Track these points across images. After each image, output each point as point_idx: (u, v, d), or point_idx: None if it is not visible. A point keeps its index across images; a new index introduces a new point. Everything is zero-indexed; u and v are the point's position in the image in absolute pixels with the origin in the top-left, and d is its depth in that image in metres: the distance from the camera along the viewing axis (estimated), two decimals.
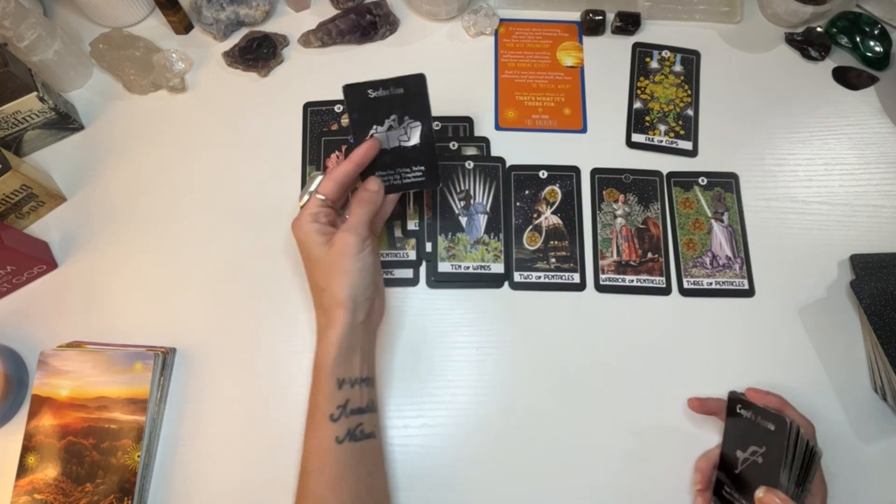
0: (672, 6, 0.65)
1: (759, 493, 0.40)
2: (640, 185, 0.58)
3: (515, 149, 0.58)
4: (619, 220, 0.57)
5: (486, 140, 0.59)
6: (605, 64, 0.63)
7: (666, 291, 0.54)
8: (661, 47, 0.64)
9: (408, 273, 0.54)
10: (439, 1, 0.61)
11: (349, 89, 0.45)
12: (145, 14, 0.64)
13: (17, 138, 0.56)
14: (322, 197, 0.43)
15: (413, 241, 0.55)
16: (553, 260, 0.55)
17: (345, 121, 0.60)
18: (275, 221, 0.55)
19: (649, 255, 0.55)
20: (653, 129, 0.60)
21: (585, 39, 0.65)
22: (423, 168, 0.47)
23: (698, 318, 0.53)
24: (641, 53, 0.64)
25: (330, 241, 0.42)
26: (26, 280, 0.53)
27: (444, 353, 0.52)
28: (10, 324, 0.52)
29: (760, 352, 0.52)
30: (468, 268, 0.54)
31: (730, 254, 0.55)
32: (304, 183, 0.57)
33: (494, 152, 0.59)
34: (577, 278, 0.54)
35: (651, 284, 0.54)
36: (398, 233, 0.55)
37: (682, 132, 0.60)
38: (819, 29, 0.64)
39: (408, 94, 0.45)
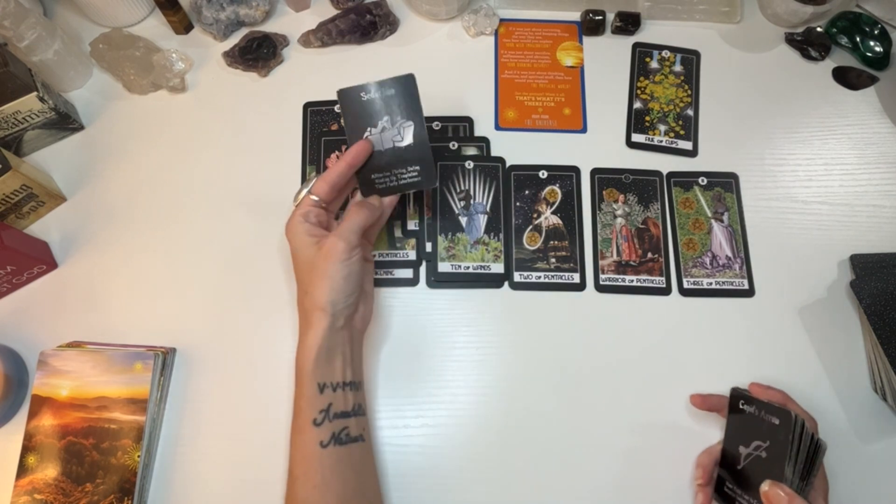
0: (672, 6, 0.65)
1: (765, 486, 0.40)
2: (640, 185, 0.58)
3: (515, 149, 0.58)
4: (619, 220, 0.57)
5: (486, 140, 0.59)
6: (605, 64, 0.63)
7: (666, 291, 0.54)
8: (661, 47, 0.64)
9: (408, 273, 0.54)
10: (439, 1, 0.61)
11: (342, 94, 0.45)
12: (145, 14, 0.64)
13: (17, 138, 0.56)
14: (315, 198, 0.44)
15: (413, 241, 0.55)
16: (553, 260, 0.55)
17: None
18: (275, 221, 0.54)
19: (649, 255, 0.55)
20: (653, 129, 0.60)
21: (585, 39, 0.65)
22: (418, 168, 0.47)
23: (698, 319, 0.53)
24: (641, 53, 0.64)
25: (319, 242, 0.42)
26: (26, 280, 0.53)
27: (444, 353, 0.52)
28: (10, 324, 0.52)
29: (760, 352, 0.52)
30: (468, 268, 0.54)
31: (730, 254, 0.55)
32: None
33: (494, 152, 0.59)
34: (577, 278, 0.54)
35: (651, 284, 0.54)
36: (398, 233, 0.55)
37: (682, 132, 0.60)
38: (819, 29, 0.64)
39: (398, 94, 0.45)
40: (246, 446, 0.49)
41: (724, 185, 0.58)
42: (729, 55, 0.64)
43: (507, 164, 0.58)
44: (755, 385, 0.47)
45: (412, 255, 0.55)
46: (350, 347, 0.43)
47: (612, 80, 0.62)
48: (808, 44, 0.63)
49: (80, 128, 0.60)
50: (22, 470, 0.46)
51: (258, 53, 0.61)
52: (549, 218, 0.56)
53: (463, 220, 0.56)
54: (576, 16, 0.65)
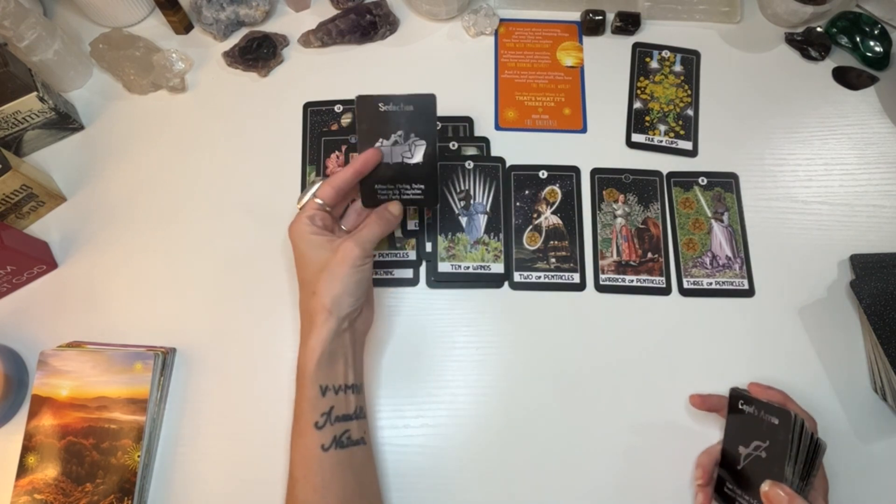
0: (672, 6, 0.65)
1: (765, 486, 0.40)
2: (640, 185, 0.58)
3: (515, 149, 0.58)
4: (619, 220, 0.57)
5: (486, 140, 0.59)
6: (605, 64, 0.63)
7: (666, 291, 0.54)
8: (661, 47, 0.64)
9: (408, 273, 0.54)
10: (439, 1, 0.61)
11: (361, 100, 0.45)
12: (145, 14, 0.64)
13: (17, 138, 0.56)
14: (320, 201, 0.44)
15: (413, 241, 0.55)
16: (553, 260, 0.55)
17: (344, 121, 0.60)
18: (275, 221, 0.55)
19: (649, 255, 0.55)
20: (653, 129, 0.60)
21: (585, 39, 0.65)
22: (422, 187, 0.47)
23: (698, 319, 0.53)
24: (641, 53, 0.64)
25: (330, 245, 0.42)
26: (26, 280, 0.53)
27: (444, 353, 0.52)
28: (10, 324, 0.52)
29: (760, 352, 0.52)
30: (468, 268, 0.54)
31: (730, 254, 0.55)
32: (304, 183, 0.57)
33: (494, 152, 0.59)
34: (577, 278, 0.54)
35: (651, 284, 0.54)
36: (398, 233, 0.55)
37: (682, 132, 0.60)
38: (819, 29, 0.64)
39: (416, 112, 0.45)
40: (246, 446, 0.49)
41: (724, 185, 0.58)
42: (729, 55, 0.64)
43: (507, 164, 0.58)
44: (755, 385, 0.47)
45: (412, 255, 0.55)
46: (352, 350, 0.43)
47: (612, 80, 0.62)
48: (808, 44, 0.63)
49: (80, 128, 0.60)
50: (22, 470, 0.46)
51: (258, 53, 0.61)
52: (549, 218, 0.56)
53: (463, 220, 0.56)
54: (576, 16, 0.65)
